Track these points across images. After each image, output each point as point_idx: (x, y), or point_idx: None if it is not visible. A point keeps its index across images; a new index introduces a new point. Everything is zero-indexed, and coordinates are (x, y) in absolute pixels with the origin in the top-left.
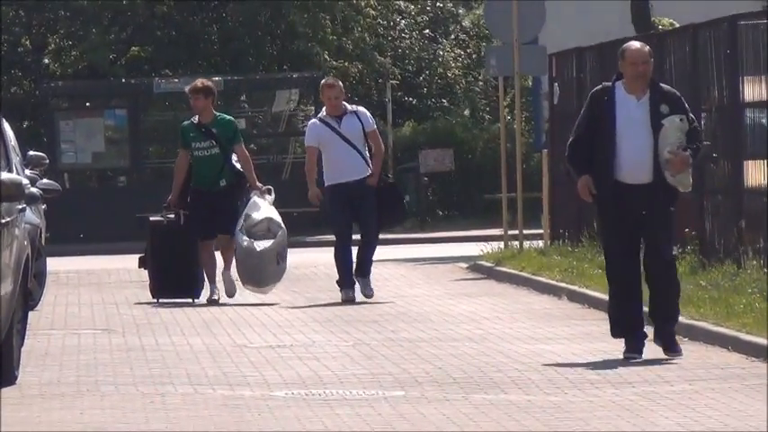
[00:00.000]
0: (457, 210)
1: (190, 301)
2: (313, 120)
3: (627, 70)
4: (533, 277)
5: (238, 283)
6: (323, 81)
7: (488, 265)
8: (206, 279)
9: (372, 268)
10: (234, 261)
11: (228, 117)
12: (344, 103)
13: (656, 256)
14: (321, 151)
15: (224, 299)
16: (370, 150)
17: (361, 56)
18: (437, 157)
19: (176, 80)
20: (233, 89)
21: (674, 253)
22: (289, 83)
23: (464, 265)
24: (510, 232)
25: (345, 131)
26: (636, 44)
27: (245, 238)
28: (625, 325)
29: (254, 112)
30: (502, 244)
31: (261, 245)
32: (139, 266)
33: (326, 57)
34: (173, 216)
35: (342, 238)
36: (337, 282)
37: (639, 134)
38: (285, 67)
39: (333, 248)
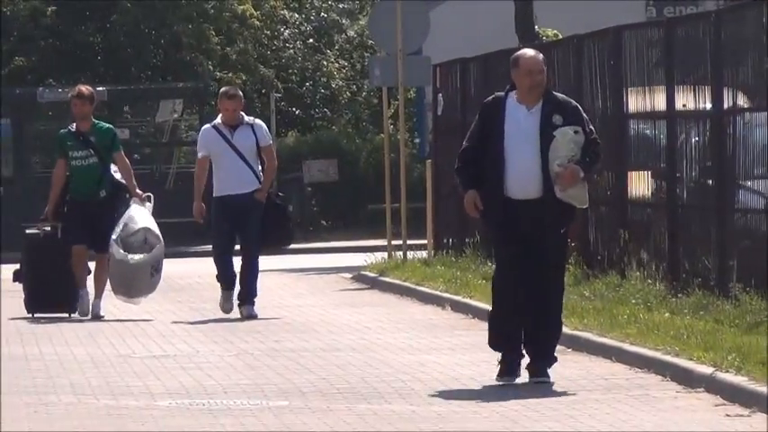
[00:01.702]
0: (341, 220)
1: (66, 315)
2: (206, 126)
3: (521, 80)
4: (417, 287)
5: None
6: (223, 89)
7: (372, 275)
8: (76, 282)
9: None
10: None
11: (107, 125)
12: (242, 113)
13: (539, 287)
14: (212, 161)
15: (107, 311)
16: (262, 165)
17: (245, 67)
18: (321, 167)
19: (60, 90)
20: (117, 99)
21: (559, 291)
22: (173, 93)
23: (348, 275)
24: (394, 242)
25: (238, 143)
26: (530, 52)
27: (120, 250)
28: (504, 340)
29: (138, 122)
30: (386, 254)
31: (135, 258)
32: (14, 280)
33: (210, 67)
34: (49, 228)
35: (221, 247)
36: (216, 277)
37: (528, 146)
38: (169, 77)
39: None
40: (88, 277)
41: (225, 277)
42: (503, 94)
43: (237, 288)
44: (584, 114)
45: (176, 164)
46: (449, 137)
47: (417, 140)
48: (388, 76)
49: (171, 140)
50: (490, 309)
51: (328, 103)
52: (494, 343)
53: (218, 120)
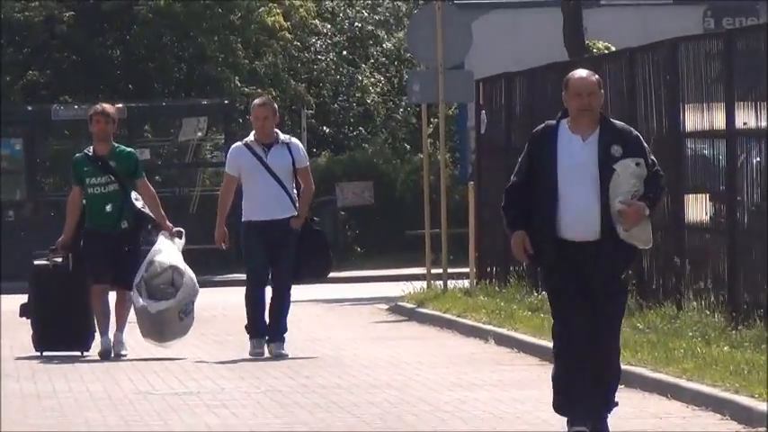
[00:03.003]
0: (376, 247)
1: (78, 354)
2: (237, 144)
3: (571, 104)
4: (458, 319)
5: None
6: (255, 100)
7: (410, 306)
8: (97, 330)
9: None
10: (129, 316)
11: (129, 149)
12: (277, 130)
13: (599, 336)
14: (242, 182)
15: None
16: (297, 188)
17: (274, 81)
18: (356, 190)
19: (76, 107)
20: (137, 117)
21: (618, 338)
22: (197, 110)
23: (384, 306)
24: (433, 271)
25: (273, 163)
26: (581, 72)
27: (141, 299)
28: (571, 404)
29: (160, 142)
30: (425, 284)
31: (157, 306)
32: (21, 315)
33: (238, 82)
34: (60, 260)
35: (255, 279)
36: (246, 328)
37: (584, 181)
38: (193, 93)
39: (244, 290)
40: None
41: (256, 324)
42: (554, 122)
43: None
44: (645, 144)
45: (200, 187)
46: (492, 157)
47: (459, 161)
48: (428, 92)
49: (194, 161)
50: (553, 367)
51: (363, 121)
52: (560, 406)
53: (251, 137)
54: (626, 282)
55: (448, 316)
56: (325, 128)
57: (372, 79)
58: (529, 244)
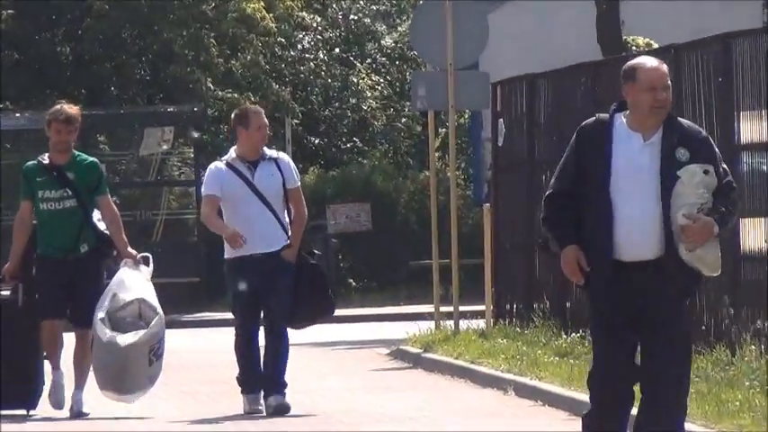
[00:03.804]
0: (375, 280)
1: (23, 413)
2: (216, 163)
3: (640, 99)
4: (472, 366)
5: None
6: (242, 107)
7: (415, 351)
8: (48, 364)
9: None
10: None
11: (91, 159)
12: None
13: (654, 370)
14: (222, 209)
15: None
16: (288, 213)
17: (253, 84)
18: (350, 212)
19: (17, 114)
20: (90, 126)
21: (683, 372)
22: (161, 118)
23: (384, 350)
24: (442, 309)
25: (261, 185)
26: (652, 61)
27: (107, 329)
28: None
29: (117, 156)
30: (432, 324)
31: (126, 339)
32: None
33: (210, 85)
34: (8, 293)
35: (245, 326)
36: (238, 380)
37: (644, 189)
38: (156, 98)
39: (232, 335)
40: (59, 357)
41: (250, 377)
42: (606, 116)
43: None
44: (716, 149)
45: (165, 210)
46: (512, 174)
47: (472, 179)
48: (436, 97)
49: (158, 179)
50: (587, 410)
51: (359, 131)
52: None
53: (232, 154)
54: (689, 316)
55: (460, 362)
56: (313, 139)
57: (370, 82)
58: (584, 260)
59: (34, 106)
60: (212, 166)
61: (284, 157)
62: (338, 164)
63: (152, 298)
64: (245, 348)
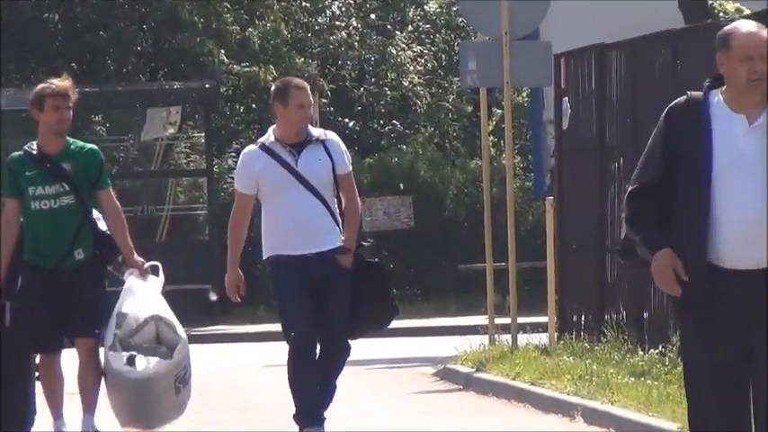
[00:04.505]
0: (419, 287)
1: None
2: (249, 148)
3: (735, 69)
4: (533, 388)
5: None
6: (284, 79)
7: (466, 370)
8: (49, 411)
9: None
10: (102, 389)
11: (90, 146)
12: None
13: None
14: (263, 202)
15: None
16: (339, 203)
17: (274, 57)
18: (389, 207)
19: None
20: (84, 106)
21: None
22: (166, 97)
23: (430, 369)
24: (498, 321)
25: (307, 171)
26: (748, 26)
27: (122, 365)
28: None
29: (115, 142)
30: (485, 339)
31: (146, 373)
32: None
33: (224, 57)
34: None
35: (300, 344)
36: (295, 418)
37: (749, 183)
38: (161, 73)
39: (252, 352)
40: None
41: (312, 407)
42: (700, 94)
43: None
44: None
45: (171, 204)
46: (579, 162)
47: (532, 168)
48: (488, 72)
49: (164, 168)
50: None
51: (399, 112)
52: None
53: (271, 136)
54: None
55: (518, 383)
56: (346, 121)
57: (411, 54)
58: (682, 267)
59: (15, 84)
60: (245, 151)
61: (333, 137)
62: (375, 150)
63: (170, 315)
64: (301, 374)
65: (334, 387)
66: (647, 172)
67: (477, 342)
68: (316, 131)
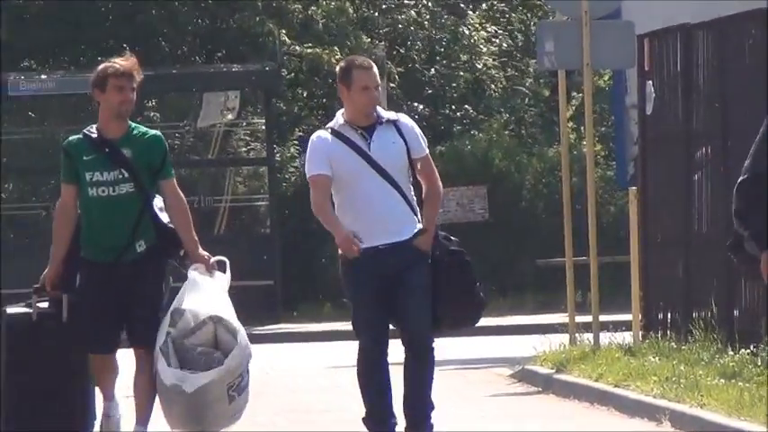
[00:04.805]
0: (494, 283)
1: None
2: (319, 133)
3: None
4: (616, 391)
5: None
6: (348, 59)
7: (545, 371)
8: (102, 397)
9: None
10: (154, 398)
11: (154, 132)
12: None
13: None
14: (332, 191)
15: None
16: (416, 189)
17: (338, 37)
18: (462, 198)
19: (44, 76)
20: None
21: None
22: (224, 80)
23: (506, 371)
24: (578, 319)
25: (379, 155)
26: None
27: (170, 368)
28: None
29: (169, 129)
30: (566, 338)
31: (196, 382)
32: None
33: (285, 38)
34: (47, 306)
35: (371, 344)
36: (365, 420)
37: None
38: (218, 55)
39: (319, 353)
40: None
41: (383, 412)
42: None
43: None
44: None
45: (230, 195)
46: (664, 149)
47: (614, 156)
48: (567, 54)
49: (222, 157)
50: None
51: (472, 96)
52: None
53: (339, 119)
54: None
55: (601, 385)
56: (416, 105)
57: (485, 34)
58: None
59: (65, 66)
60: (314, 136)
61: (405, 119)
62: (446, 137)
63: (231, 318)
64: (372, 374)
65: (431, 405)
66: (759, 161)
67: (556, 341)
68: (386, 113)
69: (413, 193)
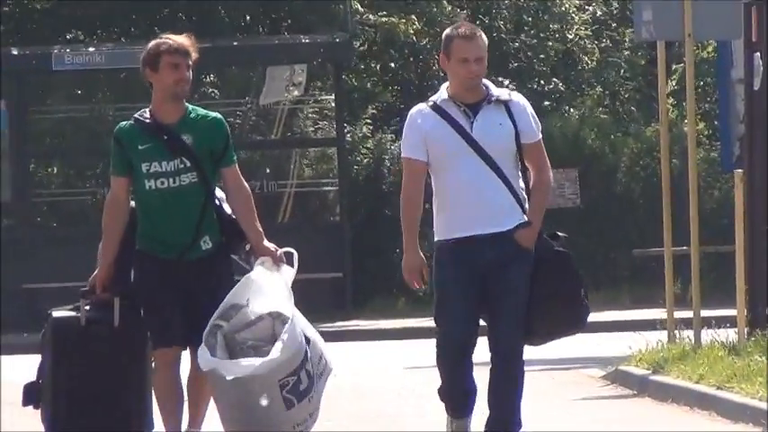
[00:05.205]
0: (586, 275)
1: None
2: (419, 107)
3: None
4: (720, 393)
5: None
6: (452, 28)
7: (641, 372)
8: (161, 416)
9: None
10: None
11: (214, 114)
12: (486, 82)
13: None
14: (430, 173)
15: None
16: (524, 175)
17: (417, 5)
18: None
19: (92, 49)
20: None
21: None
22: (290, 53)
23: (599, 371)
24: (678, 314)
25: (483, 137)
26: None
27: (209, 351)
28: None
29: (229, 106)
30: (664, 335)
31: (234, 370)
32: (26, 403)
33: (357, 6)
34: (96, 310)
35: (456, 334)
36: (439, 392)
37: None
38: (284, 25)
39: (391, 352)
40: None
41: (458, 393)
42: None
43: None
44: None
45: (295, 179)
46: None
47: (719, 136)
48: (666, 23)
49: (287, 138)
50: None
51: (563, 69)
52: None
53: (443, 93)
54: None
55: (702, 388)
56: (501, 80)
57: (577, 1)
58: None
59: (115, 38)
60: (413, 111)
61: (519, 98)
62: (535, 113)
63: (288, 311)
64: (454, 360)
65: (519, 392)
66: None
67: (653, 339)
68: (497, 90)
69: (521, 182)
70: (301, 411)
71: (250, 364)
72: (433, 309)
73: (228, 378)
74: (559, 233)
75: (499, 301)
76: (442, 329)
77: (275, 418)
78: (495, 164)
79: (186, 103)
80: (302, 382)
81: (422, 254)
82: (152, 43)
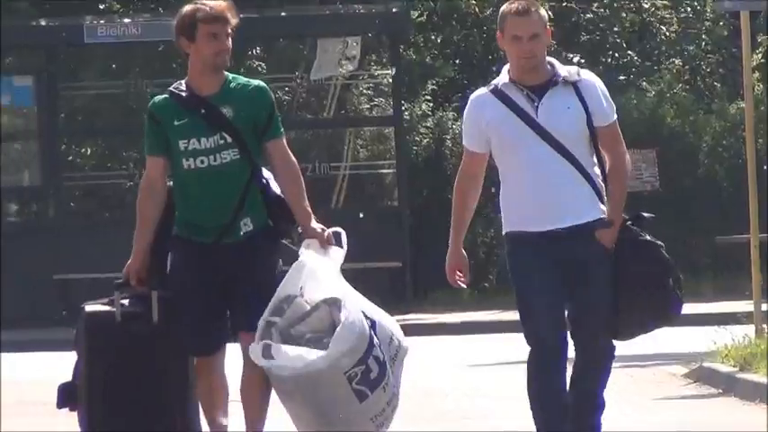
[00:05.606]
0: None
1: None
2: (479, 92)
3: None
4: None
5: None
6: (505, 6)
7: (727, 369)
8: (205, 421)
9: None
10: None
11: (256, 82)
12: (552, 60)
13: None
14: (496, 162)
15: None
16: (599, 160)
17: None
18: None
19: (128, 21)
20: (238, 37)
21: None
22: (343, 24)
23: (681, 369)
24: (766, 307)
25: (549, 122)
26: None
27: (261, 348)
28: None
29: (278, 82)
30: (751, 329)
31: (292, 366)
32: (61, 405)
33: None
34: (132, 303)
35: (543, 344)
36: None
37: None
38: None
39: (455, 348)
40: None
41: (553, 423)
42: None
43: None
44: None
45: (350, 161)
46: None
47: None
48: None
49: (340, 116)
50: None
51: (638, 41)
52: None
53: (504, 76)
54: None
55: None
56: (570, 56)
57: None
58: None
59: (152, 8)
60: (473, 97)
61: (589, 77)
62: (608, 91)
63: (350, 296)
64: (543, 375)
65: (602, 404)
66: None
67: (740, 334)
68: (564, 70)
69: (596, 168)
70: (377, 402)
71: (307, 360)
72: (517, 306)
73: (288, 378)
74: (645, 214)
75: (583, 300)
76: (532, 328)
77: (349, 414)
78: (566, 150)
79: (226, 73)
80: (372, 370)
81: (464, 252)
82: (186, 8)
